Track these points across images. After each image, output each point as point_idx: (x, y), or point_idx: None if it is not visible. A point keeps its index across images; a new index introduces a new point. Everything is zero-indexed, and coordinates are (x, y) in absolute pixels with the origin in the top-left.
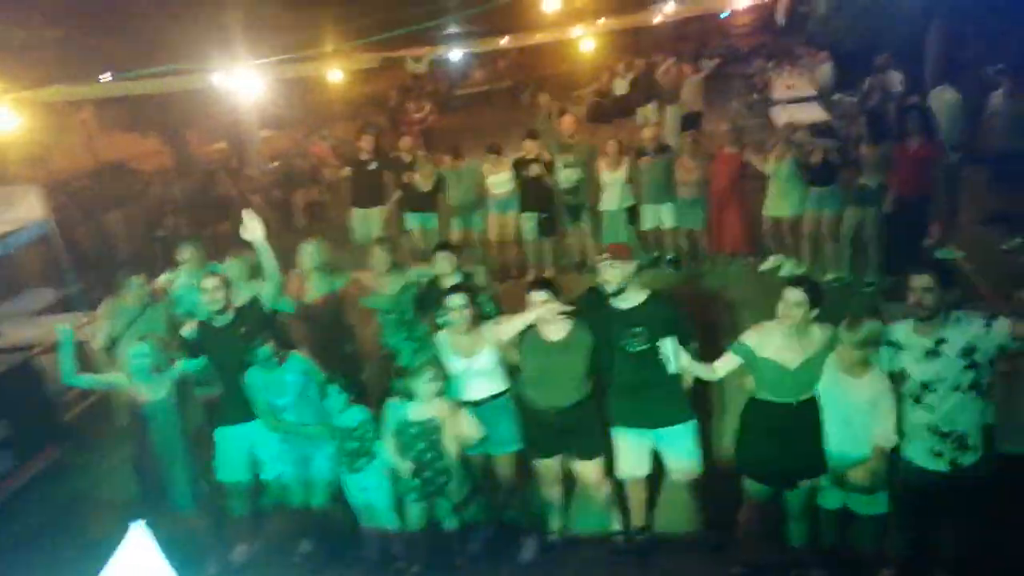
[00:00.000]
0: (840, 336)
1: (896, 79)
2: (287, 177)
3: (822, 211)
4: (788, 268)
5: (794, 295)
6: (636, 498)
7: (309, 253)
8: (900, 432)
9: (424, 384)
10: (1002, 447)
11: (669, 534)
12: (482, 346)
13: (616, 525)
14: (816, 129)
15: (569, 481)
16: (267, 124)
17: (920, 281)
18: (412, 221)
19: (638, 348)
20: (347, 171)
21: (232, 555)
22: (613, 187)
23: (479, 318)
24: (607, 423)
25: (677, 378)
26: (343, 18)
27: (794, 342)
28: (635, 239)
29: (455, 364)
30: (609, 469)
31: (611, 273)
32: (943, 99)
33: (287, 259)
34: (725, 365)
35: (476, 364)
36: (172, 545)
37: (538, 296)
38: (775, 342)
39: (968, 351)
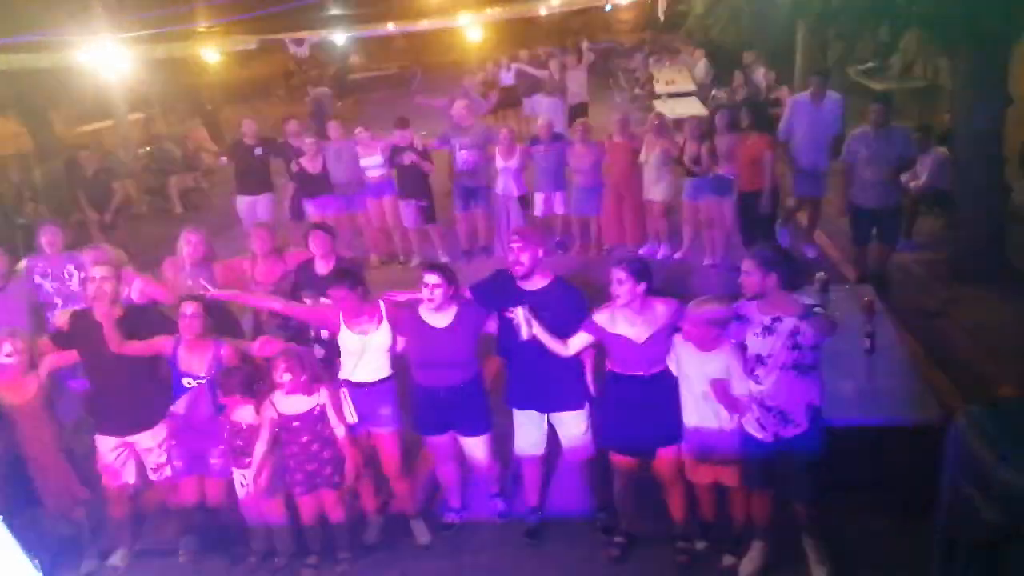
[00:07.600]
0: (690, 313)
1: (761, 75)
2: (160, 162)
3: (698, 200)
4: (663, 252)
5: (616, 274)
6: (531, 476)
7: (191, 242)
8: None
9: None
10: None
11: (561, 514)
12: (377, 323)
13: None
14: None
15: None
16: (137, 106)
17: (744, 264)
18: (311, 208)
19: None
20: (222, 159)
21: (111, 559)
22: (507, 174)
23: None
24: (492, 401)
25: (572, 362)
26: None
27: (638, 318)
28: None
29: (350, 342)
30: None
31: (520, 255)
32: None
33: (162, 247)
34: (578, 342)
35: (372, 341)
36: (44, 547)
37: (430, 279)
38: (623, 318)
39: (793, 333)
